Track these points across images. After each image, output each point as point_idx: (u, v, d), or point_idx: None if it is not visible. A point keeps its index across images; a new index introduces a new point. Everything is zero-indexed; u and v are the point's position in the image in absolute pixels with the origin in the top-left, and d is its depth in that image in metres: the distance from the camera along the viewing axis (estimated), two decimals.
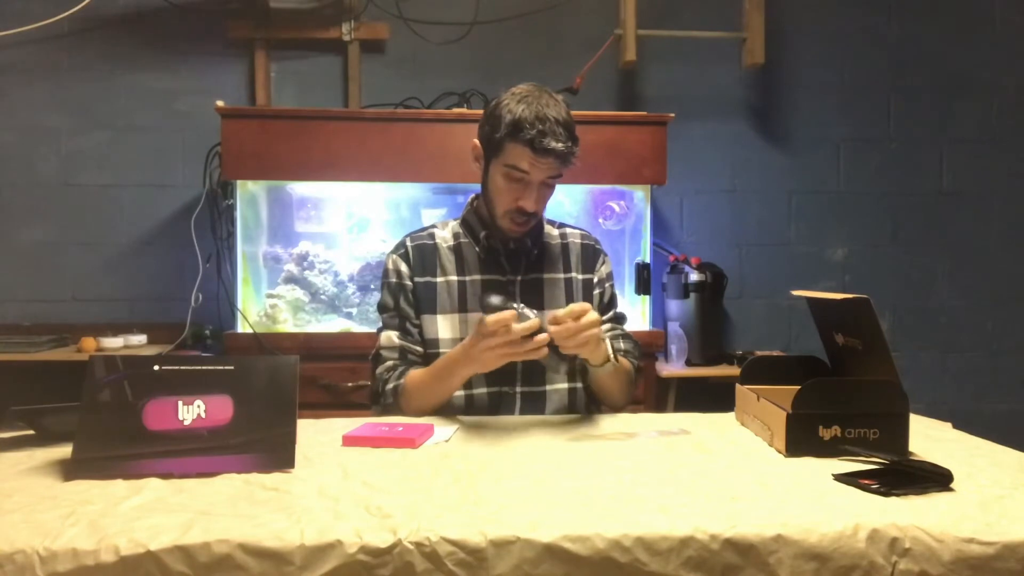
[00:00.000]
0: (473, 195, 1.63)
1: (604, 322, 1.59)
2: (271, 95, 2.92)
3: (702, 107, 3.05)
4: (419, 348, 1.53)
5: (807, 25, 3.11)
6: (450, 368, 1.39)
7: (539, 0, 2.96)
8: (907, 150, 3.16)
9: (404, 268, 1.56)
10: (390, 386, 1.48)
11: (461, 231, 1.59)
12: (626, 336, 1.63)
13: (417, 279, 1.55)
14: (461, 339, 1.52)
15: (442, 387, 1.43)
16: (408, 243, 1.59)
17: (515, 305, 1.28)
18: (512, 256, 1.56)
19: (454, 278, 1.54)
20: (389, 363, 1.52)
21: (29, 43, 2.84)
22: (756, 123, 3.12)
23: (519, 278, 1.56)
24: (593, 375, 1.48)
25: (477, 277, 1.54)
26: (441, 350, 1.50)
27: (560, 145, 1.39)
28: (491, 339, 1.26)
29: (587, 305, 1.31)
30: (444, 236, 1.59)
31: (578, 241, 1.64)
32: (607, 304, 1.63)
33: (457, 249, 1.57)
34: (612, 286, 1.66)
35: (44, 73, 2.88)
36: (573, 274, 1.60)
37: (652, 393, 2.63)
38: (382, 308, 1.58)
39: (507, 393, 1.50)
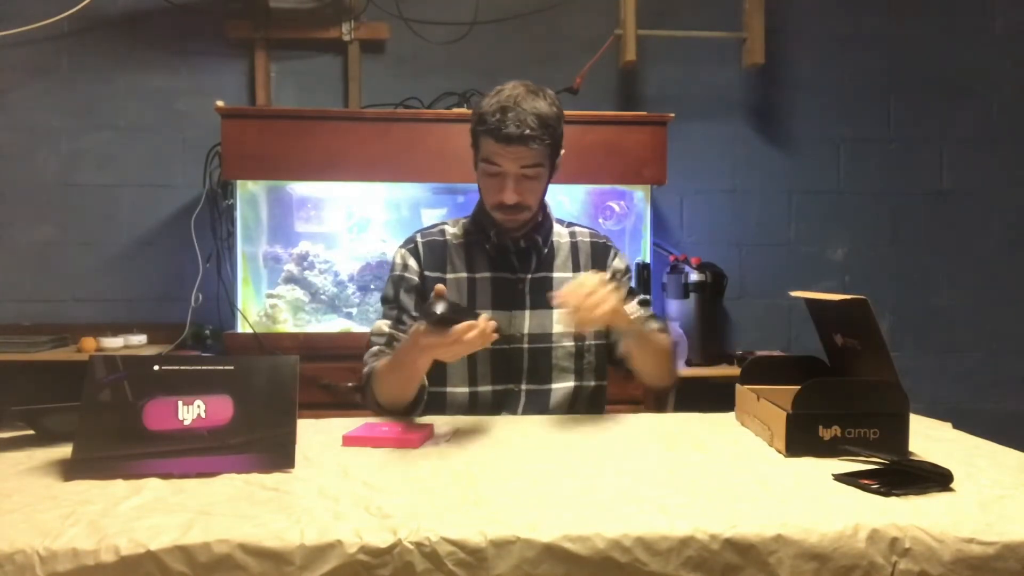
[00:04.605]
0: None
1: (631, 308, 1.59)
2: (271, 95, 2.92)
3: (702, 107, 3.05)
4: None
5: (807, 25, 3.10)
6: (404, 356, 1.36)
7: (539, 0, 2.96)
8: (907, 150, 3.16)
9: (412, 263, 1.56)
10: (366, 369, 1.48)
11: (472, 228, 1.59)
12: (653, 316, 1.62)
13: (428, 274, 1.55)
14: None
15: (400, 374, 1.38)
16: (419, 239, 1.59)
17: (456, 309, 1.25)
18: (522, 254, 1.56)
19: (463, 275, 1.55)
20: (375, 348, 1.52)
21: (29, 43, 2.84)
22: (756, 123, 3.11)
23: (529, 276, 1.56)
24: (627, 350, 1.48)
25: (487, 275, 1.54)
26: None
27: (519, 130, 1.38)
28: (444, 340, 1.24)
29: (586, 275, 1.31)
30: (455, 233, 1.60)
31: (587, 240, 1.64)
32: (627, 293, 1.61)
33: (467, 246, 1.57)
34: (629, 279, 1.65)
35: (44, 73, 2.88)
36: (583, 273, 1.58)
37: (652, 393, 2.62)
38: (384, 300, 1.58)
39: (512, 391, 1.50)
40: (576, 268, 1.60)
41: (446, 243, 1.58)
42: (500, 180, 1.45)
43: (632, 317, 1.44)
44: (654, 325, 1.57)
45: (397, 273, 1.57)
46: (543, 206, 1.58)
